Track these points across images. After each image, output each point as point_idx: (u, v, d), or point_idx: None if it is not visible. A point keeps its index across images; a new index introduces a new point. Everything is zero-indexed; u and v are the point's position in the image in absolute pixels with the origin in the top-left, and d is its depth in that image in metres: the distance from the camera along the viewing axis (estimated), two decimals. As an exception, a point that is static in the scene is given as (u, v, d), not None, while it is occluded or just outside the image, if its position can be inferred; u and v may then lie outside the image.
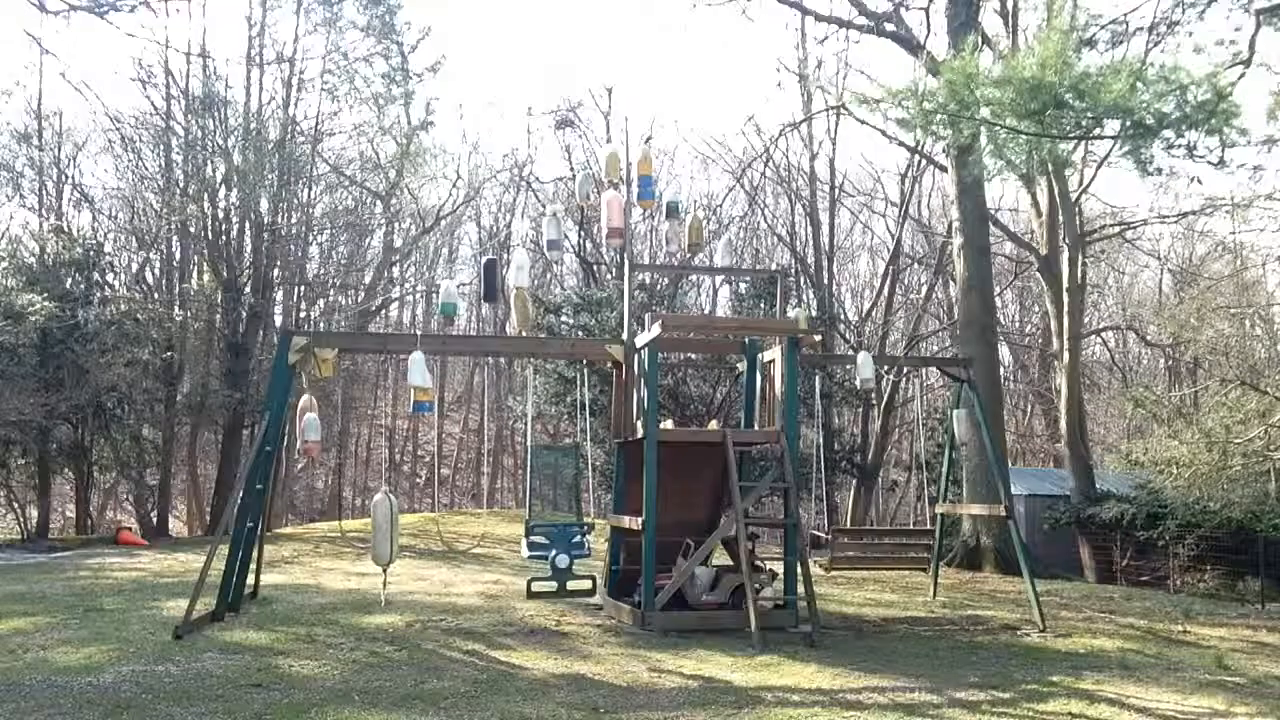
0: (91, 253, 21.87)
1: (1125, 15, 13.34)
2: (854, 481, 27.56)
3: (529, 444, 13.10)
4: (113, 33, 62.19)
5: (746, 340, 11.83)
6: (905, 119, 9.97)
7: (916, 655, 8.88)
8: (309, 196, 27.43)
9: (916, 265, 34.13)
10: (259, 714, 6.40)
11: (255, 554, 10.68)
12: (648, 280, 24.35)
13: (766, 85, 65.94)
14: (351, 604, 10.77)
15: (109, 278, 23.88)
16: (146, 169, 25.82)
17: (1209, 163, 9.35)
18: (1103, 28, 12.89)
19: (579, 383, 14.08)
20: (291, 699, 6.74)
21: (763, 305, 22.12)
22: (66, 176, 28.09)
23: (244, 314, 23.63)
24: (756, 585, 9.57)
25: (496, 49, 66.45)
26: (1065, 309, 20.90)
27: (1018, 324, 39.05)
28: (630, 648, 8.82)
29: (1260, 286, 24.07)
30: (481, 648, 8.68)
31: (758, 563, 10.26)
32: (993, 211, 22.72)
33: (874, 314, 31.76)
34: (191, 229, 24.34)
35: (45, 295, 19.37)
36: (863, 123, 20.35)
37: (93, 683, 7.01)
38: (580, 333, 22.20)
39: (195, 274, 26.88)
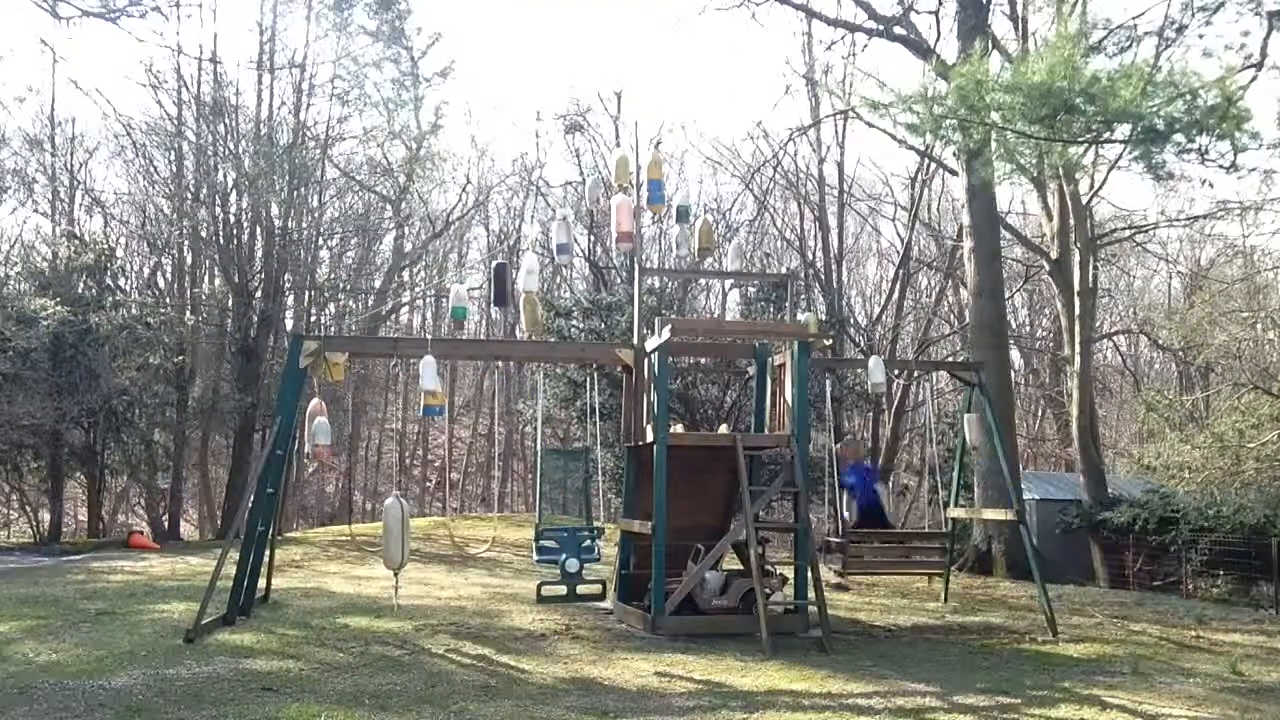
0: (103, 257, 22.00)
1: (1134, 19, 13.30)
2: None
3: (539, 448, 13.10)
4: (124, 38, 62.60)
5: (757, 344, 11.82)
6: (915, 124, 9.97)
7: (927, 660, 8.86)
8: (319, 201, 27.54)
9: (927, 269, 34.07)
10: (270, 717, 6.42)
11: (266, 558, 10.72)
12: (657, 284, 24.36)
13: (775, 90, 65.90)
14: (361, 608, 10.79)
15: (120, 282, 24.02)
16: (158, 174, 25.97)
17: (1220, 167, 9.33)
18: (1110, 32, 12.86)
19: (589, 387, 14.07)
20: (302, 702, 6.75)
21: (772, 309, 22.11)
22: (78, 182, 28.28)
23: (255, 318, 23.71)
24: (767, 590, 9.56)
25: (505, 54, 66.59)
26: (1076, 313, 20.81)
27: (1029, 327, 38.92)
28: (640, 652, 8.82)
29: (1272, 290, 23.96)
30: (491, 652, 8.69)
31: (768, 567, 10.24)
32: (1003, 215, 22.66)
33: (884, 318, 31.73)
34: (202, 234, 24.44)
35: (57, 300, 19.49)
36: (872, 126, 20.37)
37: (104, 686, 7.03)
38: (590, 337, 22.20)
39: (206, 279, 27.01)
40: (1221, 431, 17.53)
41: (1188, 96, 8.73)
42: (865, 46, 43.20)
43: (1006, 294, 23.82)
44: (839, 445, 12.95)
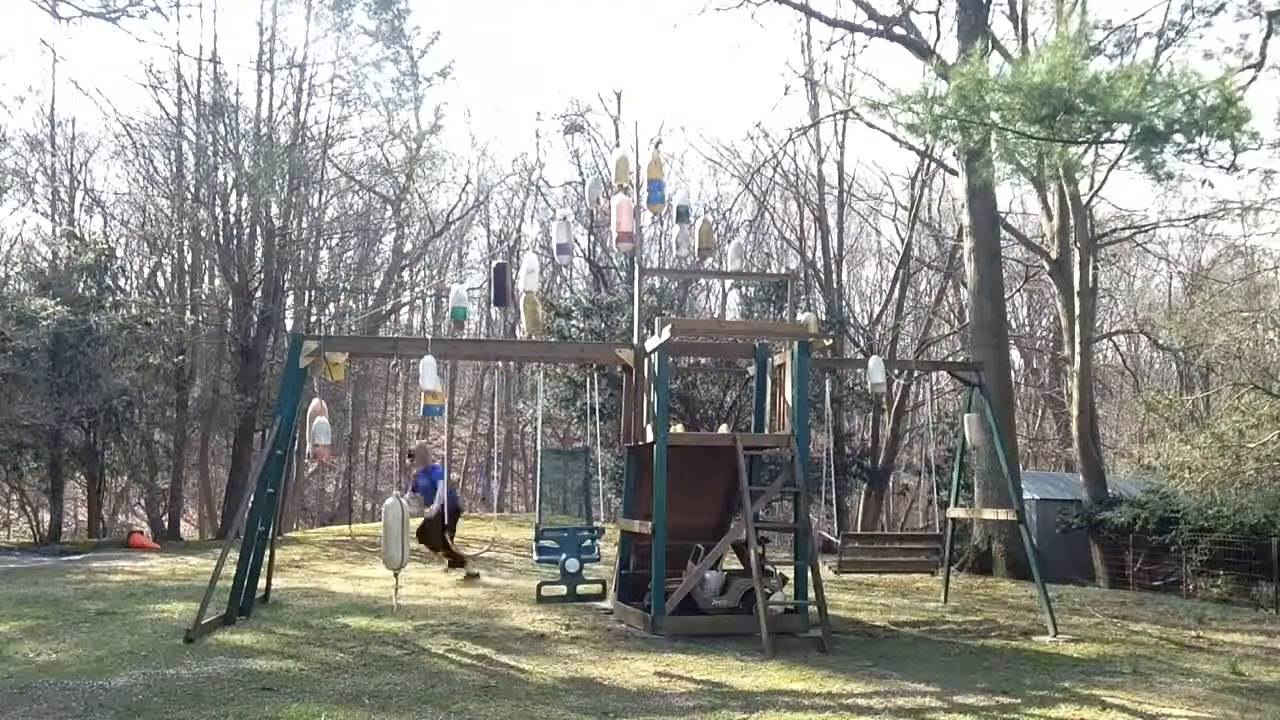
0: (103, 257, 21.97)
1: (1134, 20, 13.35)
2: (864, 485, 27.53)
3: (538, 448, 13.13)
4: (124, 38, 62.66)
5: (757, 344, 11.83)
6: (915, 124, 9.97)
7: (927, 660, 8.86)
8: (319, 201, 27.54)
9: (927, 269, 34.09)
10: (270, 717, 6.42)
11: (266, 558, 10.71)
12: (657, 284, 24.36)
13: (775, 90, 65.95)
14: (361, 607, 10.79)
15: (120, 282, 23.99)
16: (158, 174, 25.98)
17: (1220, 167, 9.34)
18: (1110, 33, 12.89)
19: (589, 387, 14.08)
20: (302, 702, 6.76)
21: (772, 309, 22.13)
22: (78, 182, 28.30)
23: (255, 318, 23.71)
24: (767, 590, 9.56)
25: (505, 54, 66.62)
26: (1076, 313, 20.83)
27: (1029, 327, 38.95)
28: (640, 652, 8.82)
29: (1272, 290, 23.98)
30: (491, 652, 8.69)
31: (768, 567, 10.25)
32: (1003, 215, 22.66)
33: (884, 318, 31.73)
34: (202, 234, 24.45)
35: (57, 300, 19.47)
36: (872, 127, 20.34)
37: (104, 686, 7.04)
38: (590, 337, 22.21)
39: (206, 279, 27.01)
40: (1222, 431, 17.54)
41: (1187, 97, 8.73)
42: (865, 46, 43.30)
43: (1006, 294, 23.80)
44: (415, 448, 14.30)
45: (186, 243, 26.45)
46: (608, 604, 10.81)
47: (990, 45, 17.09)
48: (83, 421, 20.46)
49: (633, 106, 43.16)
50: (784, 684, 7.67)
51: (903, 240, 30.98)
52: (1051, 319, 34.23)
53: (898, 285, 30.78)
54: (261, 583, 10.77)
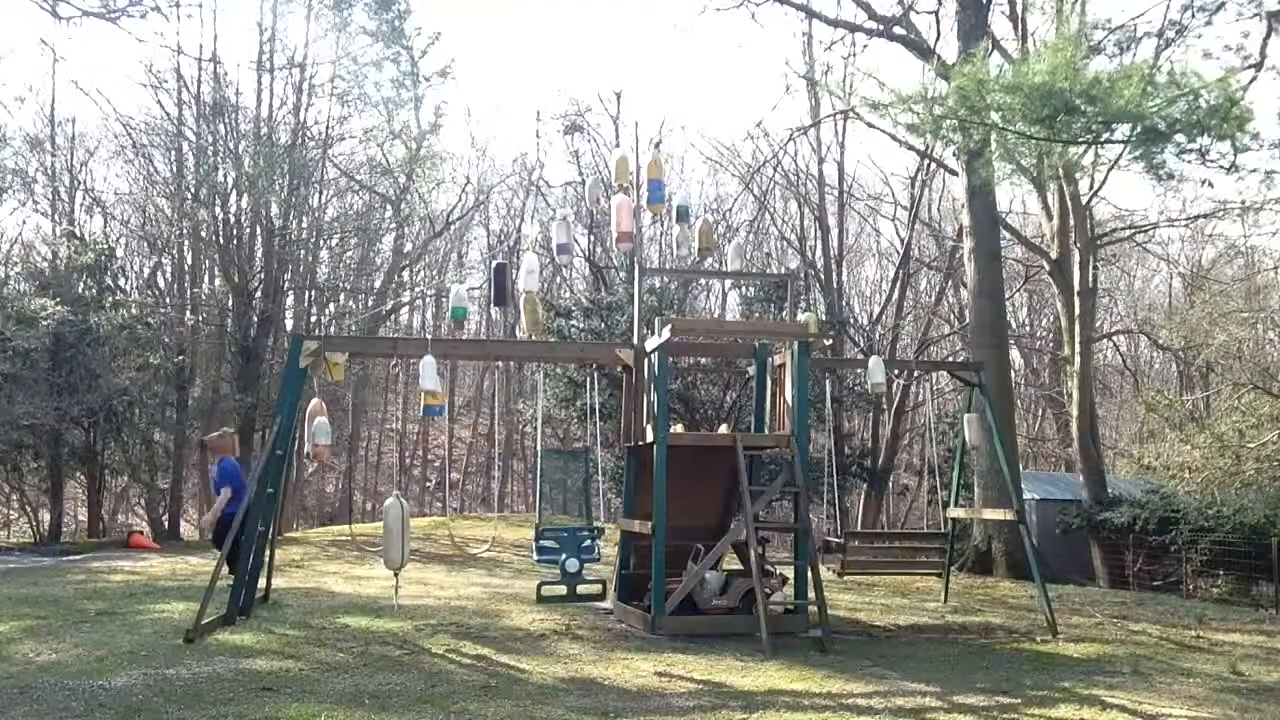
0: (103, 257, 21.97)
1: (1134, 20, 13.35)
2: (864, 485, 27.53)
3: (538, 448, 13.12)
4: (124, 38, 62.69)
5: (757, 344, 11.82)
6: (915, 124, 9.97)
7: (927, 660, 8.85)
8: (319, 201, 27.52)
9: (927, 269, 34.08)
10: (270, 717, 6.41)
11: (266, 558, 10.71)
12: (657, 284, 24.36)
13: (775, 90, 66.02)
14: (361, 607, 10.79)
15: (120, 282, 24.01)
16: (157, 174, 25.98)
17: (1221, 167, 9.34)
18: (1110, 33, 12.89)
19: (589, 387, 14.08)
20: (302, 702, 6.75)
21: (772, 309, 22.12)
22: (78, 182, 28.29)
23: (255, 318, 23.70)
24: (767, 590, 9.55)
25: (505, 54, 66.62)
26: (1076, 313, 20.83)
27: (1029, 327, 38.94)
28: (640, 652, 8.81)
29: (1272, 290, 23.97)
30: (491, 652, 8.68)
31: (768, 567, 10.24)
32: (1003, 215, 22.66)
33: (884, 318, 31.73)
34: (202, 234, 24.44)
35: (57, 300, 19.48)
36: (872, 127, 20.37)
37: (104, 686, 7.03)
38: (590, 337, 22.20)
39: (206, 279, 27.01)
40: (1221, 431, 17.54)
41: (1189, 97, 8.73)
42: (865, 46, 43.37)
43: (1006, 294, 23.81)
44: (211, 436, 11.27)
45: (186, 243, 26.45)
46: (608, 604, 10.80)
47: (991, 45, 17.09)
48: (83, 421, 20.45)
49: (633, 106, 43.20)
50: (784, 684, 7.67)
51: (903, 240, 30.98)
52: (1051, 319, 34.22)
53: (898, 285, 30.78)
54: (261, 583, 10.76)
